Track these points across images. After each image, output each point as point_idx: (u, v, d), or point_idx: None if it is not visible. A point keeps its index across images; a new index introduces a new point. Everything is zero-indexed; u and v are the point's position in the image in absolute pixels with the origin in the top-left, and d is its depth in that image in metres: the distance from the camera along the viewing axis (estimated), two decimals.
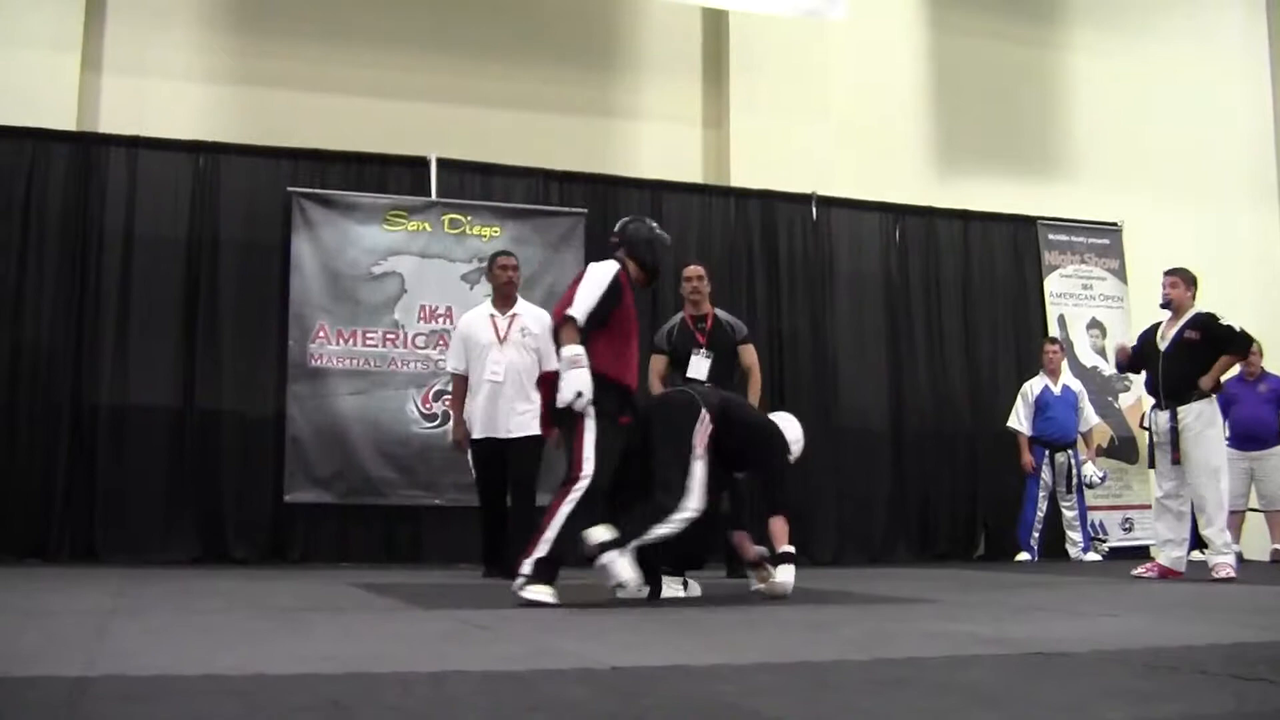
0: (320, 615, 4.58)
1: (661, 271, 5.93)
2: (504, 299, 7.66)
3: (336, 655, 3.32)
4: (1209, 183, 12.50)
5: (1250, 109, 13.04)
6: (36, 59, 8.95)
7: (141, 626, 4.19)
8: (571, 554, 5.15)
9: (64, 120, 8.96)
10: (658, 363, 7.65)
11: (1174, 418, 7.49)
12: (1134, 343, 8.19)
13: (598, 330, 5.34)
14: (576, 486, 5.19)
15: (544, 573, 5.07)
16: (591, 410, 5.24)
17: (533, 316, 7.53)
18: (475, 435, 7.48)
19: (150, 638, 3.81)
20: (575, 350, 5.24)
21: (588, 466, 5.21)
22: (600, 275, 5.46)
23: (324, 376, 8.86)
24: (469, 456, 7.64)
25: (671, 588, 5.80)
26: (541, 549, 5.09)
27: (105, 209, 8.78)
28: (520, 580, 5.04)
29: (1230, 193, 12.67)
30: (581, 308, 5.33)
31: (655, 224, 5.92)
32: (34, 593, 5.72)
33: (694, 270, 7.79)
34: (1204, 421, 7.46)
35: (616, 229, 5.86)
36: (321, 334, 8.87)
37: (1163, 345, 7.67)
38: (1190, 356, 7.53)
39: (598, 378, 5.24)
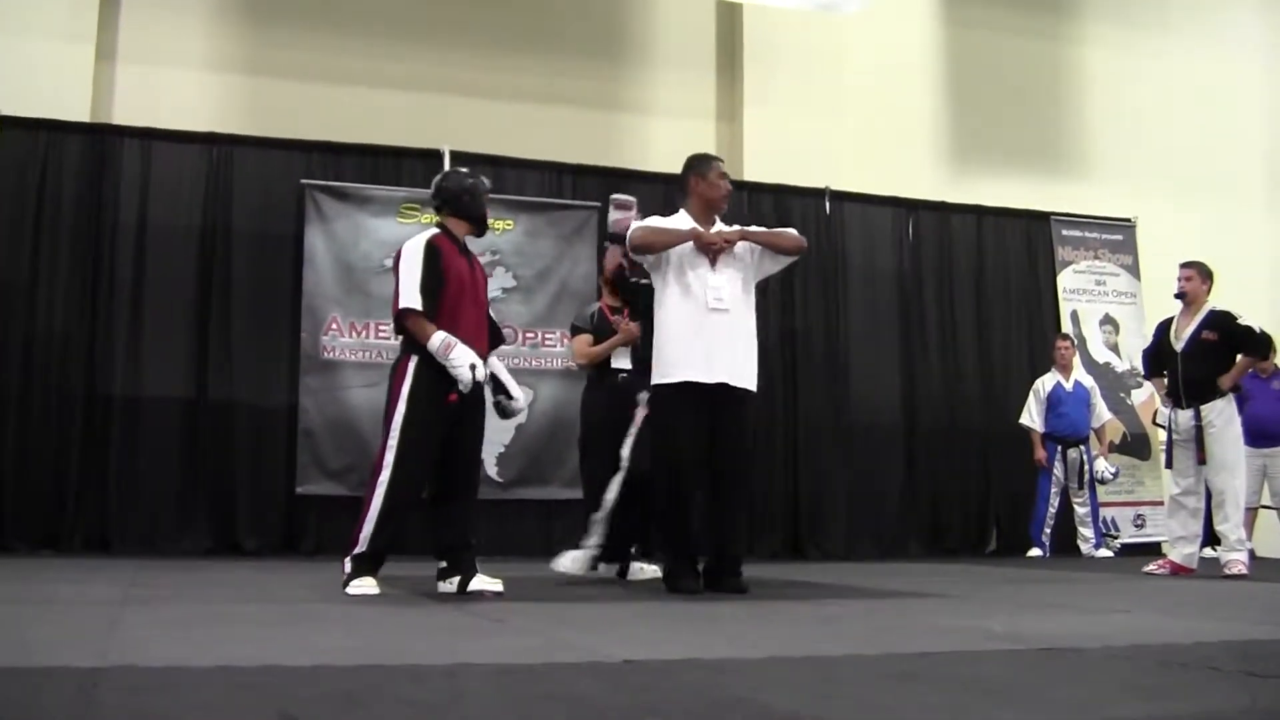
0: (332, 607, 4.58)
1: (487, 219, 5.61)
2: (709, 214, 6.07)
3: (349, 647, 3.33)
4: (1223, 179, 12.45)
5: (1266, 106, 12.98)
6: (51, 50, 8.96)
7: (154, 618, 4.20)
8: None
9: (78, 111, 8.98)
10: (582, 343, 7.56)
11: (1197, 416, 7.48)
12: (1149, 342, 8.18)
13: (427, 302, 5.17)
14: (381, 479, 5.15)
15: (364, 567, 5.10)
16: (406, 392, 5.14)
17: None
18: (682, 377, 5.66)
19: (162, 629, 3.82)
20: (440, 336, 5.07)
21: (390, 455, 5.14)
22: (412, 252, 5.25)
23: (336, 369, 8.87)
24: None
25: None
26: (361, 545, 5.09)
27: (119, 200, 8.80)
28: (344, 578, 5.08)
29: (1245, 190, 12.62)
30: (411, 294, 5.14)
31: (467, 171, 5.68)
32: (47, 583, 5.74)
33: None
34: (1224, 419, 7.46)
35: (432, 189, 5.58)
36: (334, 326, 8.88)
37: (1178, 344, 7.65)
38: (1208, 356, 7.52)
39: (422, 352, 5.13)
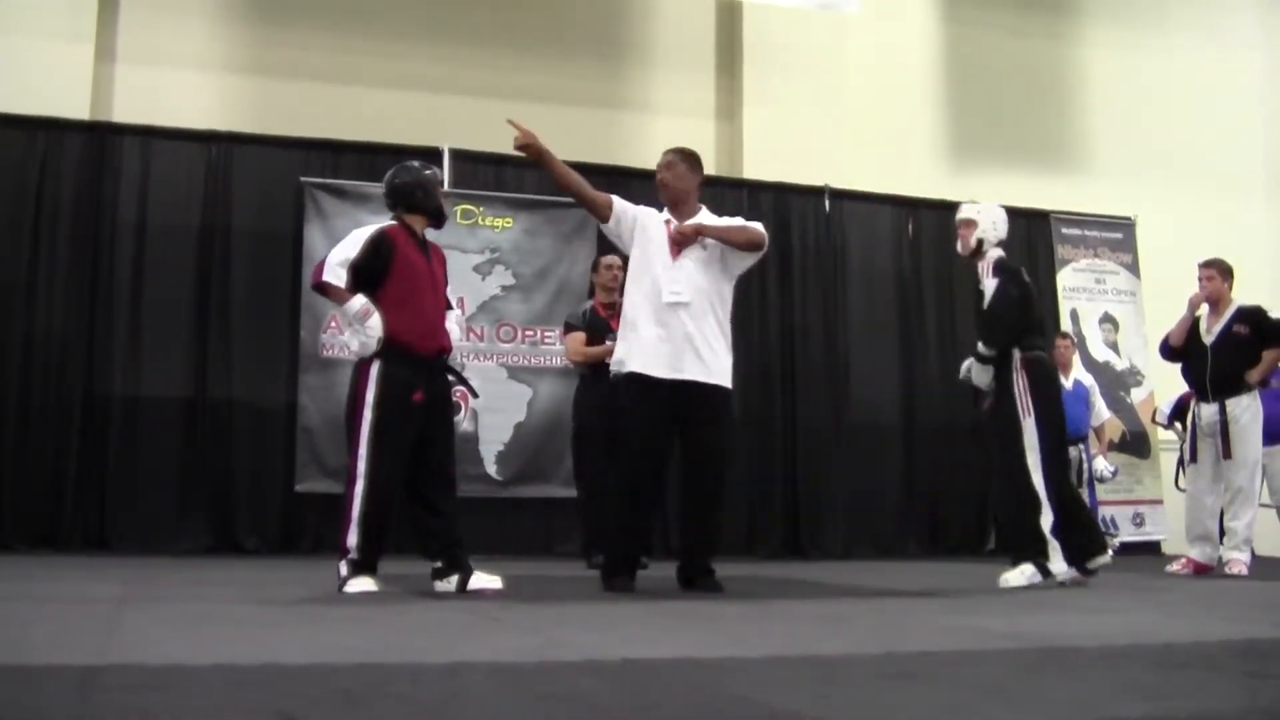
0: (331, 606, 4.57)
1: (444, 211, 5.51)
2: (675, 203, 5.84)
3: (347, 645, 3.32)
4: (1223, 177, 12.46)
5: (1265, 104, 12.99)
6: (51, 49, 8.97)
7: (152, 616, 4.19)
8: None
9: (78, 110, 8.99)
10: (576, 341, 7.56)
11: (1222, 411, 7.46)
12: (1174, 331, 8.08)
13: (369, 291, 5.13)
14: (356, 489, 5.05)
15: (360, 570, 5.06)
16: (372, 399, 5.09)
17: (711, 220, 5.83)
18: (632, 368, 5.52)
19: (161, 627, 3.82)
20: (360, 299, 5.05)
21: (362, 464, 5.06)
22: (357, 234, 5.22)
23: (336, 367, 8.85)
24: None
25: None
26: (353, 554, 5.04)
27: (118, 199, 8.80)
28: (340, 581, 5.04)
29: (1244, 187, 12.63)
30: (335, 269, 5.07)
31: (420, 164, 5.61)
32: (45, 582, 5.74)
33: (614, 260, 7.71)
34: (1250, 415, 7.47)
35: (385, 188, 5.49)
36: (334, 324, 8.86)
37: (1208, 339, 7.63)
38: (1239, 350, 7.50)
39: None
